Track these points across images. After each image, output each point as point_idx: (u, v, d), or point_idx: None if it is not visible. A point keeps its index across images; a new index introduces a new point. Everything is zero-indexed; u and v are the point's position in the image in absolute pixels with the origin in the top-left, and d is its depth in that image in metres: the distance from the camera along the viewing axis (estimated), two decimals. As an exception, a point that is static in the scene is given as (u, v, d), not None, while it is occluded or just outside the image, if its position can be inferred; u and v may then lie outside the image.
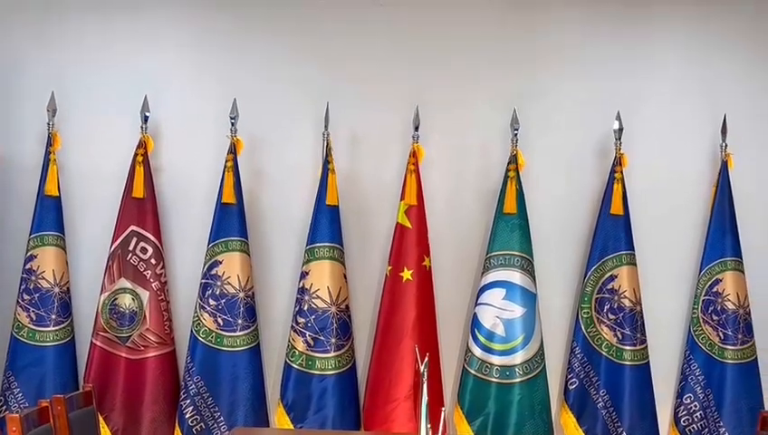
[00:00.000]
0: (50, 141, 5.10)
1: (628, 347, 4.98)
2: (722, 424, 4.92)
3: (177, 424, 4.99)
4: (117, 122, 5.25)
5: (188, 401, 4.95)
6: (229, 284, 5.01)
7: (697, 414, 5.00)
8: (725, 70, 5.28)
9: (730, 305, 4.99)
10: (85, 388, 4.02)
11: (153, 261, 5.06)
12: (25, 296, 5.00)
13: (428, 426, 2.28)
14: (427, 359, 3.41)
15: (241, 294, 5.01)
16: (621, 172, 5.07)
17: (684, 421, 5.02)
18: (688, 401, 5.02)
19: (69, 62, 5.31)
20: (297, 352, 4.98)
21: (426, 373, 3.13)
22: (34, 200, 5.09)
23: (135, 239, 5.07)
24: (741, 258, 5.04)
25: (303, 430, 4.83)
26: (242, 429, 4.70)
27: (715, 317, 5.01)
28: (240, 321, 5.00)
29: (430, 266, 5.11)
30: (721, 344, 4.99)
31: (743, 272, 5.04)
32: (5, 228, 5.20)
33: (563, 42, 5.32)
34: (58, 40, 5.33)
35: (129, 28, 5.33)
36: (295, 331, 5.00)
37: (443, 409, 2.79)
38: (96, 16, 5.32)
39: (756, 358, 5.00)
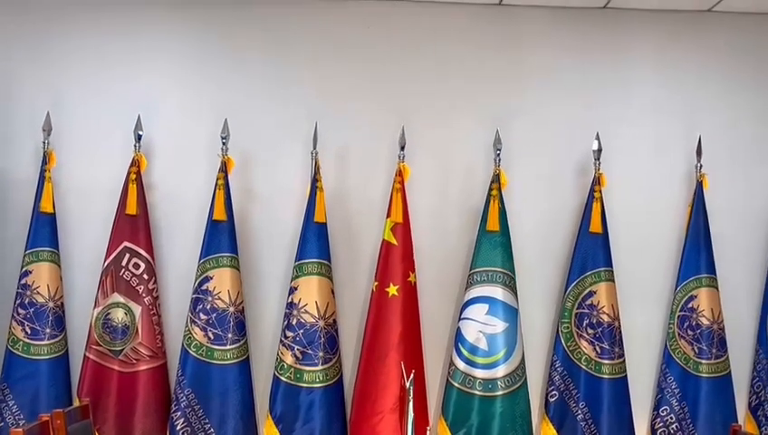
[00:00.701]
0: (45, 160, 5.11)
1: (606, 361, 5.08)
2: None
3: None
4: (111, 141, 5.26)
5: (179, 413, 4.98)
6: (219, 299, 5.06)
7: (673, 426, 5.10)
8: (701, 93, 5.42)
9: (704, 321, 5.11)
10: (82, 402, 4.10)
11: (145, 276, 5.10)
12: (20, 311, 5.02)
13: None
14: (412, 375, 3.53)
15: (231, 309, 5.07)
16: (600, 191, 5.18)
17: (660, 433, 5.12)
18: (665, 413, 5.12)
19: (64, 82, 5.31)
20: (286, 366, 5.03)
21: (411, 390, 3.24)
22: (30, 216, 5.08)
23: (128, 255, 5.10)
24: (715, 275, 5.16)
25: None
26: None
27: (690, 332, 5.13)
28: (230, 335, 5.05)
29: (415, 282, 5.18)
30: (696, 359, 5.10)
31: (717, 288, 5.15)
32: (2, 244, 5.21)
33: (545, 65, 5.42)
34: (54, 61, 5.32)
35: (123, 50, 5.34)
36: (284, 344, 5.06)
37: (428, 428, 2.90)
38: (91, 39, 5.34)
39: (730, 372, 5.12)
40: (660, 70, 5.43)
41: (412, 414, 2.89)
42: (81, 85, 5.34)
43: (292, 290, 5.11)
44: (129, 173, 5.15)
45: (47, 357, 5.02)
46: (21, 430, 3.11)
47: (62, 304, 5.10)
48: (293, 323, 5.06)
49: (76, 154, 5.28)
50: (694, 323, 5.13)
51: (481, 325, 5.08)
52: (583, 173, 5.31)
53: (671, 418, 5.11)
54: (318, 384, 5.04)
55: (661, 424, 5.12)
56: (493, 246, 5.15)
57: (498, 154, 5.19)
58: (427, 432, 2.53)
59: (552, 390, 5.12)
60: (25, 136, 5.27)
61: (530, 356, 5.15)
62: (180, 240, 5.30)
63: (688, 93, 5.41)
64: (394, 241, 5.17)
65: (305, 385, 5.03)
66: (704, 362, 5.09)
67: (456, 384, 5.05)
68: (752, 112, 5.41)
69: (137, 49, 5.37)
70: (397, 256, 5.17)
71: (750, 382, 5.23)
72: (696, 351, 5.11)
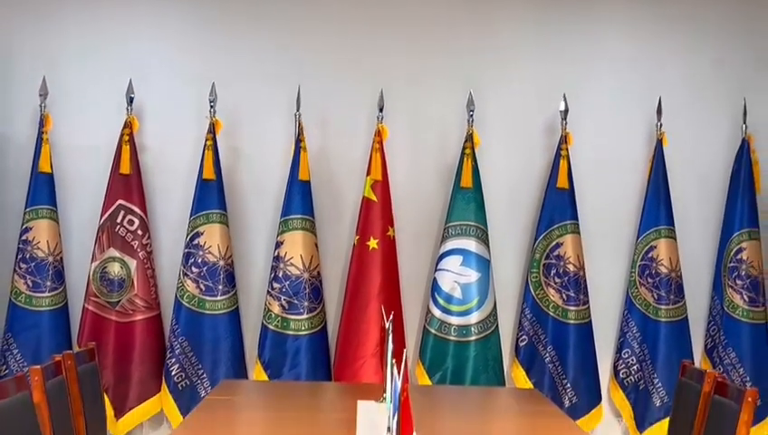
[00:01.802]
0: (42, 122, 5.18)
1: (572, 308, 5.27)
2: (656, 375, 5.25)
3: (163, 381, 5.18)
4: (104, 104, 5.32)
5: (174, 359, 5.16)
6: (210, 253, 5.19)
7: (634, 367, 5.31)
8: (662, 54, 5.53)
9: (663, 269, 5.29)
10: (88, 346, 4.33)
11: (139, 232, 5.22)
12: (22, 265, 5.13)
13: (393, 364, 2.68)
14: (392, 315, 3.81)
15: (221, 263, 5.21)
16: (567, 149, 5.31)
17: (622, 374, 5.33)
18: (626, 355, 5.33)
19: (60, 48, 5.38)
20: (273, 315, 5.19)
21: (391, 328, 3.52)
22: (29, 177, 5.19)
23: (122, 212, 5.21)
24: (673, 227, 5.32)
25: (283, 381, 5.06)
26: (229, 380, 4.95)
27: (650, 280, 5.30)
28: (220, 287, 5.19)
29: (394, 236, 5.33)
30: (655, 304, 5.29)
31: (675, 239, 5.31)
32: (2, 203, 5.32)
33: (515, 29, 5.54)
34: (49, 27, 5.39)
35: (115, 16, 5.40)
36: (271, 295, 5.21)
37: (404, 349, 3.17)
38: (86, 5, 5.40)
39: (687, 316, 5.31)
40: (624, 31, 5.57)
41: (392, 346, 3.18)
42: (75, 51, 5.41)
43: (279, 244, 5.24)
44: (122, 135, 5.23)
45: (48, 308, 5.15)
46: (39, 367, 3.37)
47: (61, 258, 5.21)
48: (280, 275, 5.20)
49: (72, 117, 5.34)
50: (653, 271, 5.30)
51: (456, 276, 5.25)
52: (551, 132, 5.43)
53: (632, 359, 5.31)
54: (304, 332, 5.19)
55: (623, 365, 5.33)
56: (466, 201, 5.29)
57: (471, 115, 5.31)
58: (404, 353, 2.81)
59: (522, 335, 5.31)
60: (23, 100, 5.31)
61: (501, 304, 5.31)
62: (172, 198, 5.40)
63: (650, 55, 5.53)
64: (374, 198, 5.29)
65: (292, 333, 5.18)
66: (662, 307, 5.28)
67: (433, 331, 5.23)
68: (711, 73, 5.54)
69: (129, 15, 5.43)
70: (376, 212, 5.29)
71: (706, 326, 5.44)
72: (656, 297, 5.30)
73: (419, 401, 4.08)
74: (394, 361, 2.87)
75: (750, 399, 3.41)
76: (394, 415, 2.47)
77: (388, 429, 3.13)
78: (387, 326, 3.57)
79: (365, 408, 3.80)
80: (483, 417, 4.26)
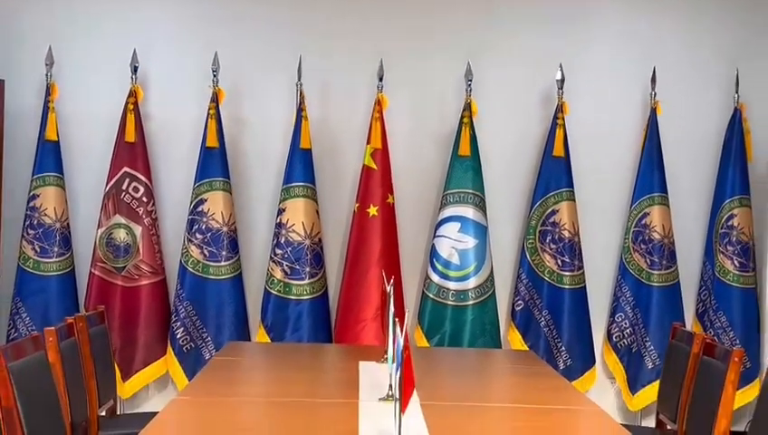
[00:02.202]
0: (48, 91, 5.26)
1: (567, 273, 5.38)
2: (648, 338, 5.38)
3: (169, 344, 5.31)
4: (109, 73, 5.42)
5: (179, 323, 5.28)
6: (214, 219, 5.30)
7: (627, 330, 5.44)
8: (657, 25, 5.62)
9: (656, 235, 5.41)
10: (98, 309, 4.44)
11: (144, 199, 5.32)
12: (30, 231, 5.24)
13: (396, 324, 2.79)
14: (393, 279, 3.93)
15: (224, 229, 5.31)
16: (563, 118, 5.40)
17: (615, 337, 5.46)
18: (620, 319, 5.45)
19: (65, 18, 5.48)
20: (276, 280, 5.31)
21: (392, 291, 3.64)
22: (36, 145, 5.29)
23: (128, 180, 5.31)
24: (666, 194, 5.43)
25: (286, 343, 5.20)
26: (234, 342, 5.08)
27: (643, 246, 5.42)
28: (224, 252, 5.30)
29: (393, 203, 5.42)
30: (648, 270, 5.41)
31: (668, 206, 5.43)
32: (10, 171, 5.37)
33: (513, 0, 5.63)
34: None
35: None
36: (274, 261, 5.32)
37: (407, 311, 3.28)
38: None
39: (679, 281, 5.44)
40: (620, 2, 5.65)
41: (393, 309, 3.30)
42: (80, 20, 5.50)
43: (281, 211, 5.34)
44: (126, 103, 5.32)
45: (56, 273, 5.26)
46: (53, 328, 3.49)
47: (68, 224, 5.32)
48: (282, 241, 5.31)
49: (77, 86, 5.44)
50: (647, 237, 5.41)
51: (454, 242, 5.35)
52: (547, 101, 5.53)
53: (625, 323, 5.45)
54: (305, 296, 5.31)
55: (616, 329, 5.47)
56: (464, 169, 5.38)
57: (469, 85, 5.40)
58: (406, 312, 2.93)
59: (518, 299, 5.43)
60: (29, 69, 5.40)
61: (498, 269, 5.43)
62: (176, 166, 5.50)
63: (646, 25, 5.62)
64: (374, 166, 5.38)
65: (294, 297, 5.30)
66: (655, 272, 5.40)
67: (431, 295, 5.35)
68: (704, 44, 5.63)
69: None
70: (376, 180, 5.38)
71: (697, 291, 5.57)
72: (649, 263, 5.41)
73: (418, 361, 4.20)
74: (396, 320, 2.99)
75: (736, 359, 3.55)
76: (396, 371, 2.60)
77: (390, 386, 3.28)
78: (388, 290, 3.68)
79: (367, 368, 3.93)
80: (480, 376, 4.40)
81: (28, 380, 3.06)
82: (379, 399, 3.30)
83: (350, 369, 3.93)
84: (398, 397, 2.53)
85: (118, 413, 4.57)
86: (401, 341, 2.55)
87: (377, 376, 3.67)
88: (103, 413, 4.19)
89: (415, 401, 3.21)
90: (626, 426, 3.50)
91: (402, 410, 2.52)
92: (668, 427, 4.21)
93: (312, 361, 4.55)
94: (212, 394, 3.48)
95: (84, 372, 3.86)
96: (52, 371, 3.36)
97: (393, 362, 3.05)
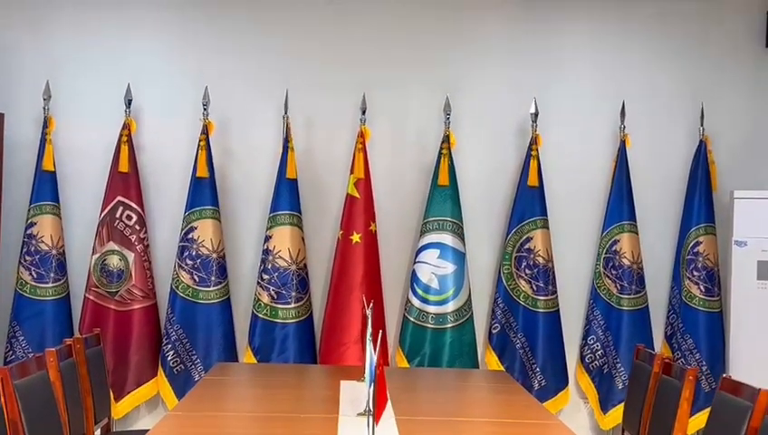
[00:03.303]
0: (46, 124, 5.46)
1: (541, 297, 5.58)
2: (618, 360, 5.57)
3: (160, 365, 5.48)
4: (104, 106, 5.61)
5: (170, 346, 5.44)
6: (203, 246, 5.47)
7: (599, 352, 5.64)
8: (625, 62, 5.85)
9: (626, 262, 5.61)
10: (94, 331, 4.65)
11: (137, 227, 5.51)
12: (27, 257, 5.42)
13: (370, 341, 3.00)
14: (372, 303, 4.17)
15: (214, 255, 5.49)
16: (537, 150, 5.61)
17: (588, 358, 5.67)
18: (592, 341, 5.65)
19: (61, 53, 5.68)
20: (262, 304, 5.48)
21: (371, 314, 3.87)
22: (33, 175, 5.46)
23: (121, 208, 5.49)
24: (635, 222, 5.63)
25: (273, 364, 5.39)
26: (223, 363, 5.28)
27: (613, 272, 5.63)
28: (213, 278, 5.48)
29: (376, 230, 5.59)
30: (618, 294, 5.61)
31: (637, 233, 5.64)
32: (8, 200, 5.50)
33: (489, 39, 5.85)
34: (51, 34, 5.69)
35: (114, 23, 5.70)
36: (261, 286, 5.50)
37: (381, 331, 3.48)
38: (85, 11, 5.69)
39: (647, 305, 5.64)
40: (590, 42, 5.88)
41: (371, 329, 3.52)
42: (77, 56, 5.71)
43: (267, 238, 5.52)
44: (120, 135, 5.52)
45: (52, 298, 5.44)
46: (54, 349, 3.71)
47: (63, 251, 5.51)
48: (269, 267, 5.49)
49: (74, 119, 5.63)
50: (617, 263, 5.63)
51: (433, 268, 5.53)
52: (522, 134, 5.74)
53: (597, 345, 5.65)
54: (291, 320, 5.48)
55: (588, 351, 5.67)
56: (443, 198, 5.57)
57: (448, 118, 5.61)
58: (380, 333, 3.15)
59: (495, 323, 5.62)
60: (28, 103, 5.61)
61: (475, 294, 5.62)
62: (168, 194, 5.69)
63: (614, 62, 5.85)
64: (357, 194, 5.55)
65: (280, 321, 5.47)
66: (625, 297, 5.61)
67: (412, 319, 5.53)
68: (670, 79, 5.87)
69: (127, 22, 5.73)
70: (359, 208, 5.55)
71: (666, 314, 5.78)
72: (619, 288, 5.62)
73: (398, 381, 4.47)
74: (371, 338, 3.21)
75: (691, 377, 3.79)
76: (370, 386, 2.84)
77: (367, 403, 3.52)
78: (367, 313, 3.90)
79: (347, 386, 4.16)
80: (454, 394, 4.60)
81: (31, 396, 3.29)
82: (357, 414, 3.54)
83: (331, 387, 4.16)
84: (371, 408, 2.77)
85: (112, 431, 4.76)
86: (375, 358, 2.79)
87: (356, 394, 3.90)
88: (98, 432, 4.39)
89: (390, 416, 3.44)
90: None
91: (376, 421, 2.76)
92: (633, 443, 4.43)
93: (296, 380, 4.77)
94: (203, 410, 3.71)
95: (81, 390, 4.08)
96: (53, 388, 3.58)
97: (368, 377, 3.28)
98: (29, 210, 5.50)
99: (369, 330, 3.52)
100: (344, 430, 3.29)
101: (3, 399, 2.94)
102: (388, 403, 3.10)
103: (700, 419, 5.28)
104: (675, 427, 3.76)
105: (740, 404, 3.32)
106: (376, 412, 2.75)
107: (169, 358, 5.50)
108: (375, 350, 2.89)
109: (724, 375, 3.71)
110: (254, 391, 4.47)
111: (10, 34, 5.73)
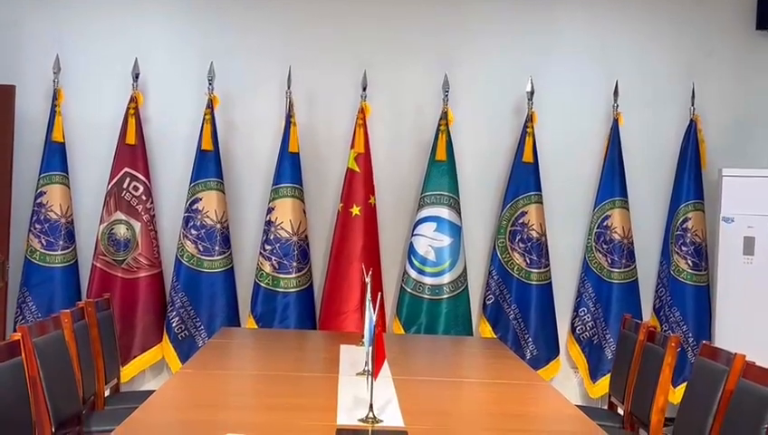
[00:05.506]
0: (55, 96, 5.61)
1: (534, 270, 5.75)
2: (608, 331, 5.75)
3: (165, 331, 5.65)
4: (112, 80, 5.77)
5: (174, 313, 5.61)
6: (208, 217, 5.62)
7: (589, 324, 5.82)
8: (619, 43, 5.99)
9: (617, 236, 5.77)
10: (104, 296, 4.83)
11: (143, 197, 5.66)
12: (37, 226, 5.58)
13: (369, 302, 3.16)
14: (371, 271, 4.34)
15: (218, 226, 5.64)
16: (532, 127, 5.75)
17: (578, 329, 5.85)
18: (583, 313, 5.83)
19: (70, 28, 5.81)
20: (264, 274, 5.64)
21: (370, 283, 4.03)
22: (43, 146, 5.61)
23: (128, 179, 5.65)
24: (627, 198, 5.79)
25: (275, 329, 5.54)
26: (227, 328, 5.44)
27: (604, 246, 5.79)
28: (217, 247, 5.63)
29: (375, 204, 5.74)
30: (609, 268, 5.78)
31: (628, 209, 5.80)
32: (19, 170, 5.68)
33: (487, 18, 5.97)
34: (61, 8, 5.81)
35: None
36: (263, 256, 5.65)
37: (379, 293, 3.65)
38: None
39: (637, 279, 5.80)
40: (586, 21, 6.01)
41: (370, 295, 3.68)
42: (86, 31, 5.85)
43: (270, 210, 5.67)
44: (128, 108, 5.66)
45: (60, 265, 5.61)
46: (69, 311, 3.90)
47: (72, 220, 5.66)
48: (271, 238, 5.64)
49: (82, 92, 5.78)
50: (608, 238, 5.79)
51: (430, 240, 5.69)
52: (518, 112, 5.89)
53: (588, 317, 5.83)
54: (292, 289, 5.64)
55: (579, 322, 5.85)
56: (441, 173, 5.72)
57: (446, 95, 5.75)
58: (378, 296, 3.31)
59: (489, 294, 5.79)
60: (38, 76, 5.74)
61: (471, 266, 5.78)
62: (173, 167, 5.84)
63: (610, 42, 5.99)
64: (357, 169, 5.70)
65: (281, 290, 5.63)
66: (615, 270, 5.77)
67: (409, 290, 5.70)
68: (663, 60, 6.01)
69: None
70: (359, 182, 5.69)
71: (654, 288, 5.94)
72: (609, 261, 5.79)
73: (394, 346, 4.67)
74: (370, 300, 3.37)
75: (673, 344, 3.99)
76: (369, 346, 3.03)
77: (366, 363, 3.71)
78: (367, 281, 4.07)
79: (347, 350, 4.36)
80: (448, 358, 4.81)
81: (48, 354, 3.48)
82: (357, 374, 3.73)
83: (332, 350, 4.36)
84: (369, 368, 2.95)
85: (120, 391, 4.95)
86: (374, 318, 2.98)
87: (355, 356, 4.09)
88: (107, 392, 4.59)
89: (387, 375, 3.64)
90: (581, 407, 3.86)
91: (374, 377, 2.95)
92: (618, 409, 4.63)
93: (298, 343, 4.98)
94: (210, 368, 3.91)
95: (93, 351, 4.27)
96: (68, 348, 3.77)
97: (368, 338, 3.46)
98: (39, 180, 5.65)
99: (369, 295, 3.69)
100: (344, 388, 3.49)
101: (23, 355, 3.12)
102: (385, 364, 3.28)
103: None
104: (656, 392, 3.95)
105: (717, 368, 3.51)
106: (374, 368, 2.94)
107: (174, 325, 5.66)
108: (374, 312, 3.06)
109: (704, 342, 3.89)
110: (258, 352, 4.66)
111: (21, 10, 5.86)
